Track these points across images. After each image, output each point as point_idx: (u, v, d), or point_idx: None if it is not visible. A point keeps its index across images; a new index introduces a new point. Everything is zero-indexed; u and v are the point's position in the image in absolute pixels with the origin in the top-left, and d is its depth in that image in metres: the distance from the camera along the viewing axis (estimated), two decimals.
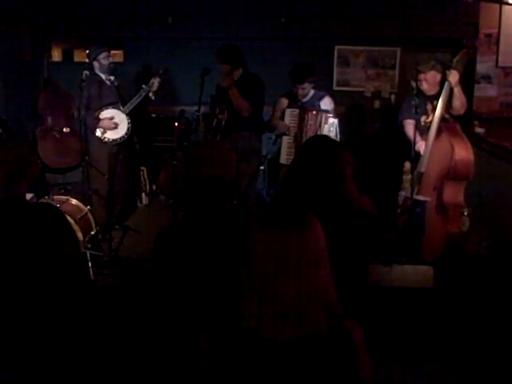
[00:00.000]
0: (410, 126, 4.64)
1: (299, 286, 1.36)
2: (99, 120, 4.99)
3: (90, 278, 3.81)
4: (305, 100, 4.93)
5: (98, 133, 5.01)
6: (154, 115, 6.76)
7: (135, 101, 5.08)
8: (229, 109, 4.90)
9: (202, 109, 4.75)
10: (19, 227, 1.62)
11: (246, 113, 4.91)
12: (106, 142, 5.05)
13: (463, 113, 4.53)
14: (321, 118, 4.72)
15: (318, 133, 4.63)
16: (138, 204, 6.43)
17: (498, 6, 6.04)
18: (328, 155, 2.17)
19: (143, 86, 5.11)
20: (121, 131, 5.10)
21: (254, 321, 1.36)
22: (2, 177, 2.46)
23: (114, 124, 5.05)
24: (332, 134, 4.63)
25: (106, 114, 5.04)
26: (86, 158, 4.74)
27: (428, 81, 4.58)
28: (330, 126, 4.69)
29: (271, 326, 1.36)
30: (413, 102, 4.28)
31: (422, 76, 4.59)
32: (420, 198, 4.31)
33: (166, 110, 6.75)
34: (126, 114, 5.08)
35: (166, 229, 2.57)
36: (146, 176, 6.52)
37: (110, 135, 5.07)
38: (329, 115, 4.73)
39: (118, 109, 5.07)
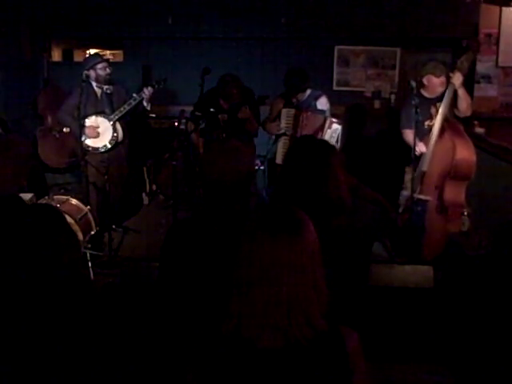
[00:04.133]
0: (409, 136, 4.53)
1: (273, 295, 1.34)
2: (84, 127, 4.83)
3: (90, 278, 3.81)
4: (301, 100, 4.92)
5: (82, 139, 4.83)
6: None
7: (124, 109, 4.94)
8: (234, 132, 4.99)
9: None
10: (19, 229, 1.62)
11: (256, 131, 5.17)
12: (87, 150, 4.90)
13: (470, 114, 4.48)
14: (324, 122, 4.67)
15: (319, 136, 4.60)
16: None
17: (497, 6, 6.04)
18: (317, 157, 2.16)
19: (134, 94, 4.98)
20: (103, 140, 4.97)
21: (233, 324, 1.36)
22: (12, 172, 2.39)
23: (97, 133, 4.93)
24: (333, 140, 4.57)
25: (91, 121, 4.91)
26: (86, 157, 4.75)
27: (444, 84, 4.43)
28: (333, 132, 4.64)
29: (249, 333, 1.35)
30: (413, 102, 4.25)
31: (439, 81, 4.43)
32: (421, 197, 4.29)
33: (166, 109, 6.75)
34: (114, 125, 4.95)
35: (176, 224, 2.58)
36: (146, 176, 6.51)
37: (92, 143, 4.93)
38: (333, 120, 4.68)
39: (105, 117, 4.95)
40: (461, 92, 4.27)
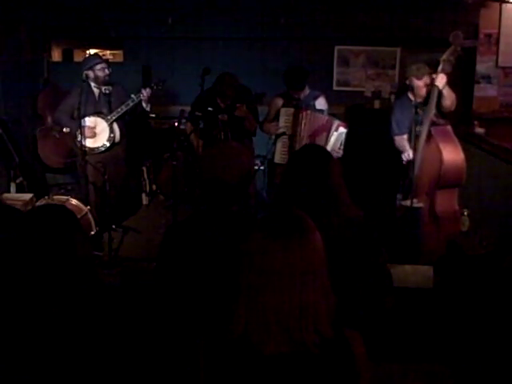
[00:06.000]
0: (402, 142, 4.46)
1: (286, 301, 1.33)
2: (82, 127, 4.81)
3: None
4: (301, 98, 4.92)
5: (78, 139, 4.85)
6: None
7: (121, 110, 4.94)
8: (233, 131, 4.99)
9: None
10: (38, 228, 1.64)
11: (255, 130, 5.18)
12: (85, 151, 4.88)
13: (454, 109, 4.29)
14: (330, 123, 4.63)
15: (325, 138, 4.56)
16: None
17: (497, 5, 6.04)
18: (323, 169, 2.15)
19: (132, 95, 4.96)
20: (100, 141, 4.96)
21: (240, 329, 1.35)
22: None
23: (94, 133, 4.92)
24: (338, 144, 4.55)
25: (87, 121, 4.89)
26: (87, 157, 4.76)
27: (427, 86, 4.30)
28: (339, 135, 4.57)
29: (257, 337, 1.34)
30: (412, 103, 4.22)
31: (421, 82, 4.30)
32: (414, 204, 4.16)
33: (166, 110, 6.75)
34: (111, 126, 4.95)
35: (174, 225, 2.57)
36: (146, 176, 6.51)
37: (88, 143, 4.91)
38: (341, 124, 4.62)
39: (102, 117, 4.95)
40: (445, 91, 4.10)
